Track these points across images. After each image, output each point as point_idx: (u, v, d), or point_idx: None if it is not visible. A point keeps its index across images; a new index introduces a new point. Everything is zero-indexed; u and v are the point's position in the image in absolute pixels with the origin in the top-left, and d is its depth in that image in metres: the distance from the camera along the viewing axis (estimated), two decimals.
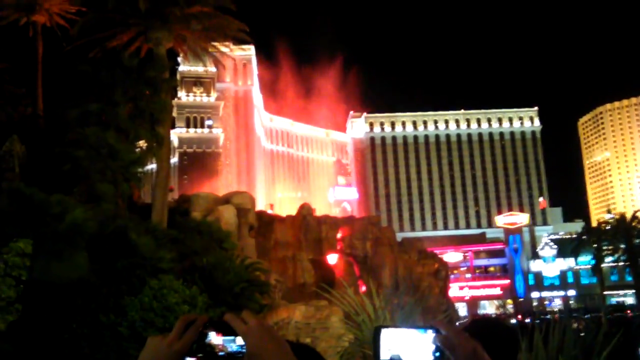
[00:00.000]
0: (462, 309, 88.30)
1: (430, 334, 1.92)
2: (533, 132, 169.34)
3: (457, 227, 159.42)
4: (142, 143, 35.51)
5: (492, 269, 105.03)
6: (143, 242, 23.21)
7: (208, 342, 1.78)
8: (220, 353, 1.78)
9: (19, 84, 39.07)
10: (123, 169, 28.18)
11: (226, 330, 1.78)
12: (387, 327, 1.96)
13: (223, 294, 26.47)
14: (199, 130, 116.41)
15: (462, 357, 1.89)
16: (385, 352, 1.92)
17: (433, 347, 1.91)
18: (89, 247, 20.99)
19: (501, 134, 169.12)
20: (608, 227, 76.50)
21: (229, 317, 1.79)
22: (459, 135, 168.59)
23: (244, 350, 1.76)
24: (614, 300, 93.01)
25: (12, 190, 20.50)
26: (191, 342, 1.76)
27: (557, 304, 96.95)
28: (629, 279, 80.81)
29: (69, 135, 27.71)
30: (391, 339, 1.92)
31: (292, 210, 56.72)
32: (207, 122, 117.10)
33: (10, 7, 41.74)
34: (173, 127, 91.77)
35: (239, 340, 1.77)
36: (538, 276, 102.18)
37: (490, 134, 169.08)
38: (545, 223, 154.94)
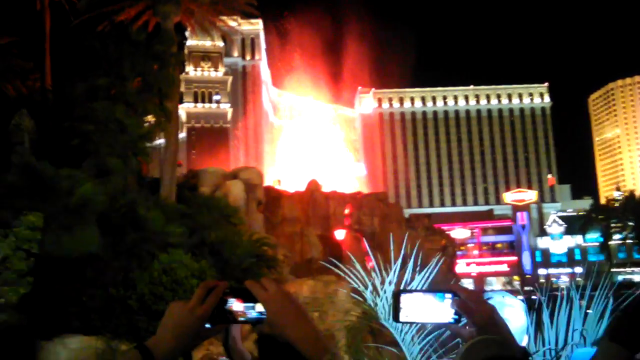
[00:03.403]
0: (469, 286, 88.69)
1: (448, 298, 1.96)
2: (543, 109, 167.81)
3: (465, 203, 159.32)
4: (151, 118, 35.52)
5: (499, 245, 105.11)
6: (152, 217, 23.37)
7: (228, 308, 1.81)
8: (241, 319, 1.82)
9: (28, 58, 39.02)
10: (132, 144, 28.24)
11: (246, 296, 1.81)
12: (406, 291, 2.00)
13: (231, 268, 26.70)
14: (207, 105, 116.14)
15: (479, 321, 1.93)
16: (404, 315, 1.98)
17: (451, 310, 1.96)
18: (99, 221, 21.16)
19: (511, 110, 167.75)
20: (617, 205, 76.20)
21: (249, 284, 1.82)
22: (468, 112, 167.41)
23: (264, 317, 1.79)
24: (621, 277, 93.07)
25: (23, 165, 20.63)
26: (212, 308, 1.79)
27: (564, 281, 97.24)
28: (637, 256, 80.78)
29: (78, 109, 27.72)
30: (410, 303, 1.97)
31: (300, 186, 56.80)
32: (215, 97, 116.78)
33: None
34: (181, 102, 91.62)
35: (259, 307, 1.80)
36: (545, 253, 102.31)
37: (500, 110, 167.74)
38: (553, 200, 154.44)
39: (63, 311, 19.09)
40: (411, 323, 2.06)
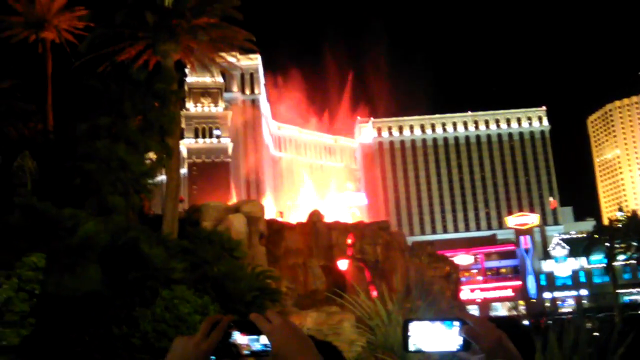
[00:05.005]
0: (474, 312, 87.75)
1: (456, 326, 1.99)
2: (542, 132, 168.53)
3: (467, 229, 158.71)
4: (152, 155, 35.70)
5: (503, 270, 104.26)
6: (154, 254, 23.32)
7: (233, 341, 1.83)
8: (245, 352, 1.82)
9: (30, 100, 39.46)
10: (133, 181, 28.38)
11: (251, 329, 1.83)
12: (415, 320, 2.02)
13: (235, 302, 26.53)
14: (207, 140, 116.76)
15: (488, 346, 1.94)
16: (412, 344, 2.00)
17: (459, 337, 1.97)
18: (101, 260, 21.13)
19: (510, 135, 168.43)
20: (620, 225, 75.79)
21: (254, 317, 1.83)
22: (467, 138, 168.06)
23: (268, 349, 1.80)
24: (627, 298, 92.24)
25: (25, 206, 20.69)
26: (217, 342, 1.80)
27: (570, 304, 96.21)
28: None
29: (80, 149, 27.94)
30: (419, 331, 2.00)
31: (302, 217, 56.72)
32: (216, 132, 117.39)
33: (20, 25, 42.25)
34: (182, 138, 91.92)
35: (264, 339, 1.81)
36: (550, 276, 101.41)
37: (499, 135, 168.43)
38: (556, 223, 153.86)
39: (66, 352, 18.92)
40: (420, 352, 2.06)
